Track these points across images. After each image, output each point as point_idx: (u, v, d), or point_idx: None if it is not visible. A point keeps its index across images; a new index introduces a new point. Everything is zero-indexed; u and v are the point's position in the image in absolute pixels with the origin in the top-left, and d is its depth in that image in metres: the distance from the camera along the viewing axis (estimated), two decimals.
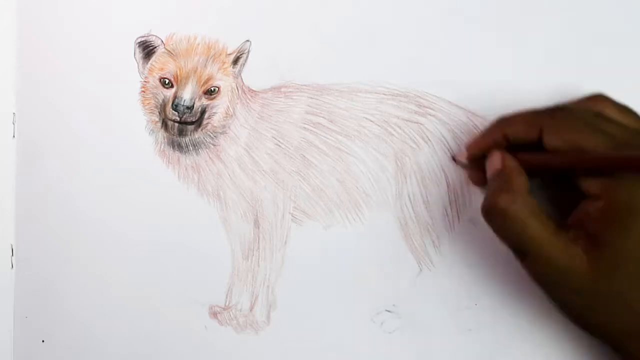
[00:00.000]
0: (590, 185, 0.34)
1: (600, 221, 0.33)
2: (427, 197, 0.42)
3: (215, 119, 0.44)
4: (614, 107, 0.36)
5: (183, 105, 0.43)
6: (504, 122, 0.38)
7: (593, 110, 0.36)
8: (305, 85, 0.43)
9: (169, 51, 0.44)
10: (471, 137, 0.41)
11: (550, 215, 0.35)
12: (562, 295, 0.34)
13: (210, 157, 0.44)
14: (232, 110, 0.44)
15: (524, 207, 0.34)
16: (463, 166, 0.41)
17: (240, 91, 0.44)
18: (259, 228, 0.44)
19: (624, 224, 0.33)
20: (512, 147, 0.37)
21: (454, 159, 0.41)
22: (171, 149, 0.44)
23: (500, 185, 0.35)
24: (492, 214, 0.35)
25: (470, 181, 0.41)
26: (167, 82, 0.43)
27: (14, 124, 0.46)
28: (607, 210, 0.33)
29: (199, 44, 0.44)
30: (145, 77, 0.44)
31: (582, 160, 0.34)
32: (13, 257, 0.46)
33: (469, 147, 0.40)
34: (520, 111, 0.38)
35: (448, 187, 0.42)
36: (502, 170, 0.36)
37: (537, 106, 0.41)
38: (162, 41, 0.44)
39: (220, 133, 0.44)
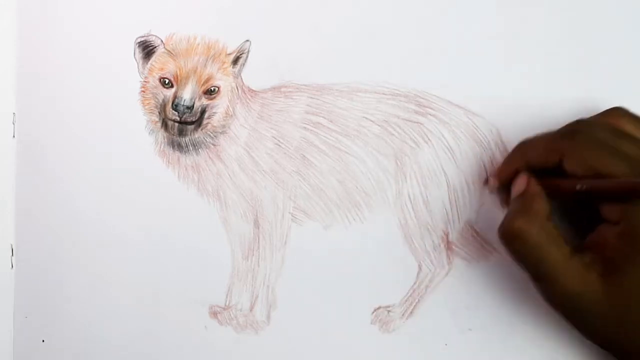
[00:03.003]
0: (609, 210, 0.34)
1: (618, 246, 0.33)
2: (427, 197, 0.42)
3: (215, 119, 0.44)
4: (633, 121, 0.36)
5: (183, 105, 0.43)
6: (525, 148, 0.38)
7: (612, 127, 0.35)
8: (305, 85, 0.43)
9: (169, 51, 0.44)
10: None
11: (568, 235, 0.35)
12: (577, 317, 0.35)
13: (210, 157, 0.44)
14: (232, 110, 0.44)
15: (542, 231, 0.34)
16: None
17: (240, 91, 0.44)
18: (259, 228, 0.44)
19: None
20: (534, 170, 0.37)
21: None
22: (171, 149, 0.44)
23: (520, 208, 0.36)
24: (509, 236, 0.35)
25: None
26: (167, 82, 0.43)
27: (14, 124, 0.46)
28: (624, 235, 0.33)
29: (198, 44, 0.44)
30: (145, 77, 0.44)
31: (601, 188, 0.34)
32: (13, 257, 0.46)
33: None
34: (540, 135, 0.38)
35: (448, 187, 0.42)
36: (525, 194, 0.36)
37: (536, 105, 0.41)
38: (162, 41, 0.44)
39: (220, 133, 0.44)
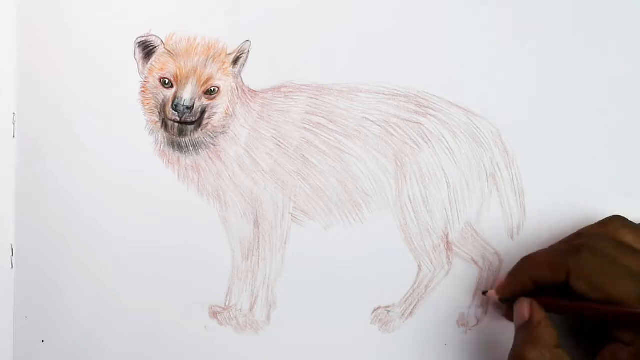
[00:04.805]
0: (621, 332, 0.34)
1: None
2: (427, 197, 0.42)
3: (215, 119, 0.44)
4: (632, 232, 0.36)
5: (183, 105, 0.43)
6: (530, 265, 0.37)
7: (613, 240, 0.35)
8: (305, 85, 0.43)
9: (169, 51, 0.44)
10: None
11: (578, 353, 0.35)
12: None
13: (210, 157, 0.44)
14: (232, 110, 0.44)
15: None
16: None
17: (240, 91, 0.44)
18: (259, 228, 0.44)
19: None
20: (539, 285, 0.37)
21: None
22: (171, 149, 0.44)
23: (528, 339, 0.35)
24: None
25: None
26: (167, 82, 0.43)
27: (14, 124, 0.46)
28: (638, 357, 0.33)
29: (199, 44, 0.44)
30: (145, 77, 0.44)
31: (609, 316, 0.34)
32: (13, 257, 0.46)
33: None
34: (543, 251, 0.38)
35: (448, 187, 0.42)
36: (530, 323, 0.36)
37: (536, 105, 0.41)
38: (162, 41, 0.44)
39: (220, 133, 0.44)
